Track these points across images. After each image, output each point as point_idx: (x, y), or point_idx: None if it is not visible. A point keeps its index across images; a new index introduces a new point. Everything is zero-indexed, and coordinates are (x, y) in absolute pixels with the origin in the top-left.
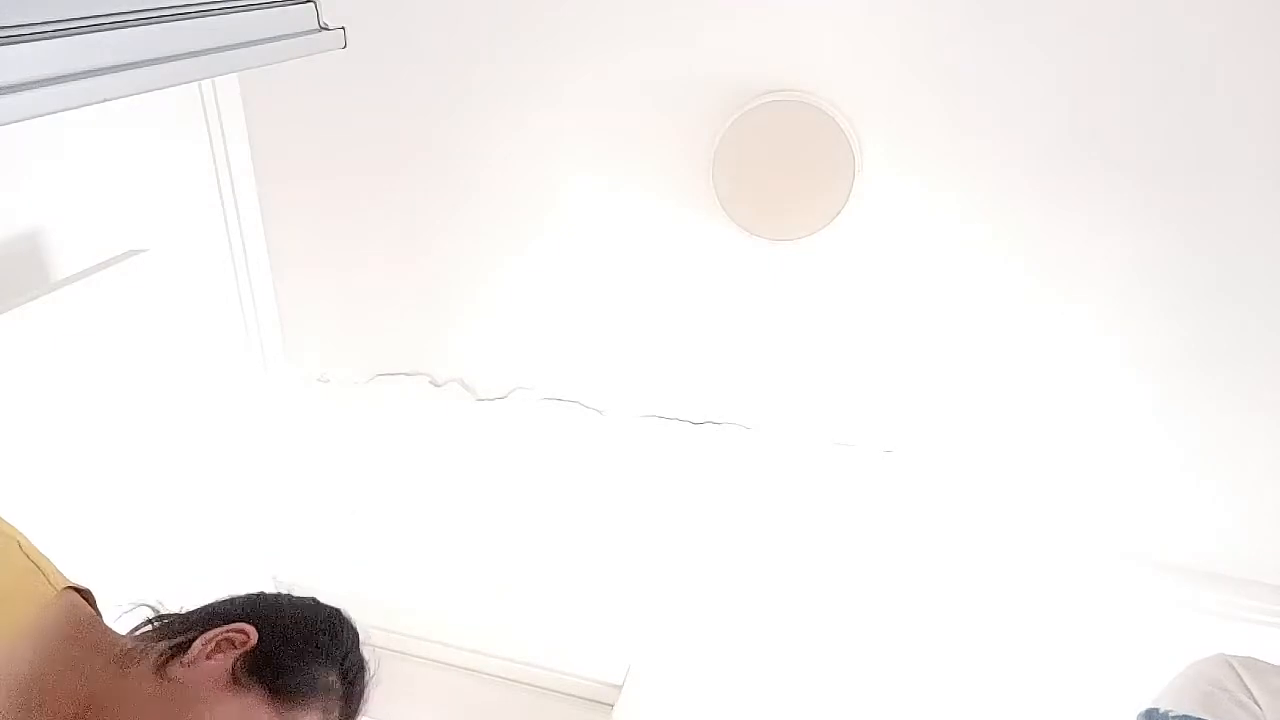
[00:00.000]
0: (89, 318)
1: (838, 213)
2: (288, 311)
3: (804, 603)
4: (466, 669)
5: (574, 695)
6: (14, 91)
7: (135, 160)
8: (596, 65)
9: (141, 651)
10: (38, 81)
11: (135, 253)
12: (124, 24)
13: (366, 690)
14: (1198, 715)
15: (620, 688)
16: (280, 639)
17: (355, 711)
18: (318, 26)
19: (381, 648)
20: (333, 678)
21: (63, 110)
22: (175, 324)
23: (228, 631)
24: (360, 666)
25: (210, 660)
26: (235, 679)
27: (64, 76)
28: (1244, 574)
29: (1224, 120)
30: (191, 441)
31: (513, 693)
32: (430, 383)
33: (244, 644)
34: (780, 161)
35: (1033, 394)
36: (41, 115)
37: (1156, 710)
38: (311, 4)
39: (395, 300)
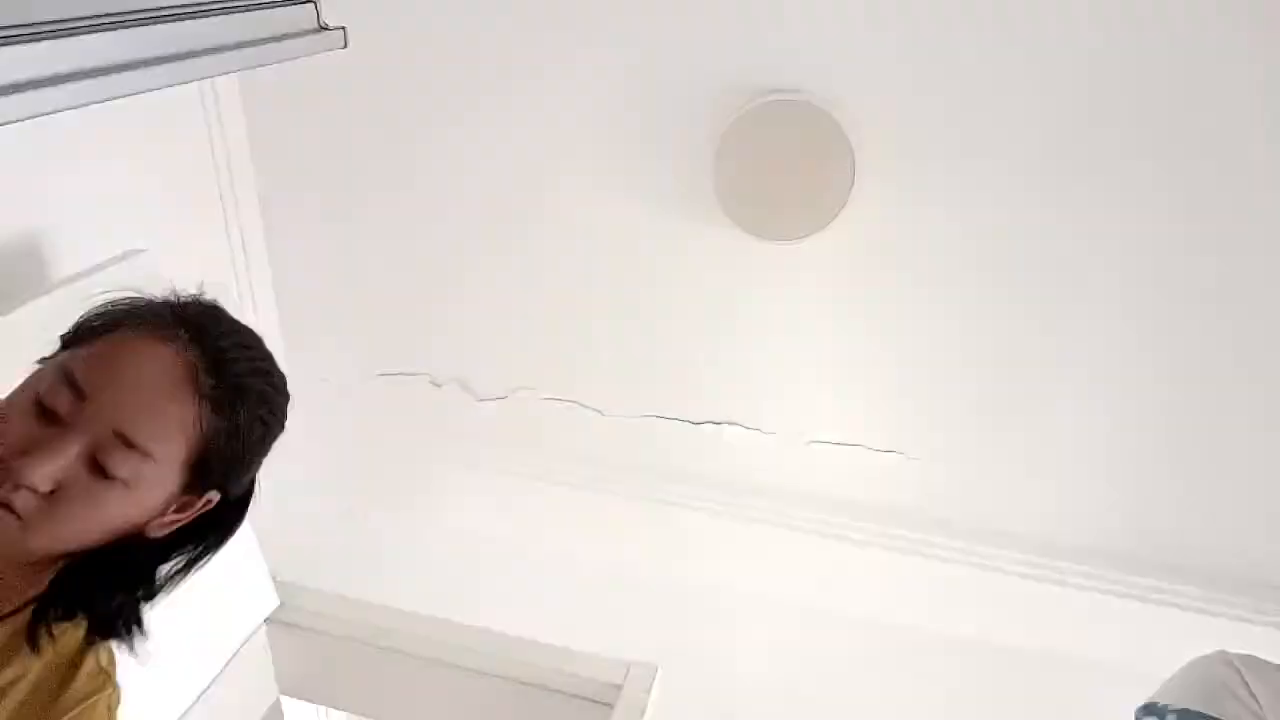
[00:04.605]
0: None
1: (838, 212)
2: (288, 311)
3: (804, 602)
4: (466, 669)
5: (574, 695)
6: (14, 91)
7: (135, 160)
8: (597, 64)
9: None
10: (38, 81)
11: (135, 253)
12: (124, 24)
13: (214, 313)
14: (1197, 709)
15: (620, 688)
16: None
17: (212, 336)
18: (318, 26)
19: (382, 647)
20: (141, 304)
21: (63, 110)
22: None
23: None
24: (174, 295)
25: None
26: (37, 364)
27: (64, 76)
28: (1245, 574)
29: (1229, 122)
30: None
31: (513, 693)
32: (430, 383)
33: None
34: (780, 161)
35: (1033, 393)
36: (41, 115)
37: (1155, 704)
38: (311, 4)
39: (395, 300)
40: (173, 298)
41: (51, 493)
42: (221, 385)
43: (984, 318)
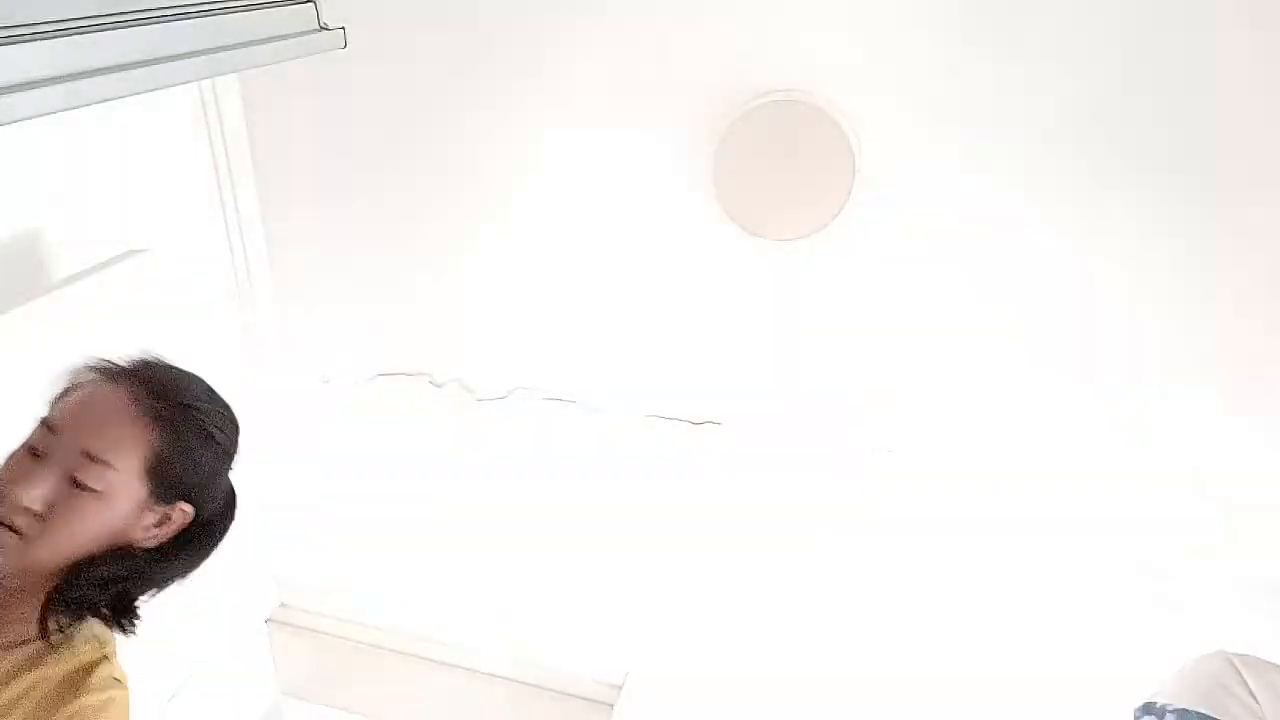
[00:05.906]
0: (89, 318)
1: (838, 212)
2: (288, 311)
3: (803, 602)
4: (466, 669)
5: (574, 695)
6: (14, 91)
7: (135, 160)
8: (597, 65)
9: None
10: (38, 81)
11: (135, 253)
12: (124, 24)
13: (156, 360)
14: (1196, 709)
15: (620, 688)
16: None
17: (155, 372)
18: (318, 26)
19: (382, 648)
20: (94, 363)
21: (63, 110)
22: (175, 324)
23: None
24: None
25: None
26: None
27: (64, 76)
28: (1245, 574)
29: (1229, 125)
30: None
31: (513, 693)
32: (430, 383)
33: None
34: (780, 161)
35: (1032, 392)
36: (41, 115)
37: (1154, 704)
38: (311, 4)
39: (395, 300)
40: (120, 357)
41: (45, 512)
42: (164, 407)
43: (983, 318)
